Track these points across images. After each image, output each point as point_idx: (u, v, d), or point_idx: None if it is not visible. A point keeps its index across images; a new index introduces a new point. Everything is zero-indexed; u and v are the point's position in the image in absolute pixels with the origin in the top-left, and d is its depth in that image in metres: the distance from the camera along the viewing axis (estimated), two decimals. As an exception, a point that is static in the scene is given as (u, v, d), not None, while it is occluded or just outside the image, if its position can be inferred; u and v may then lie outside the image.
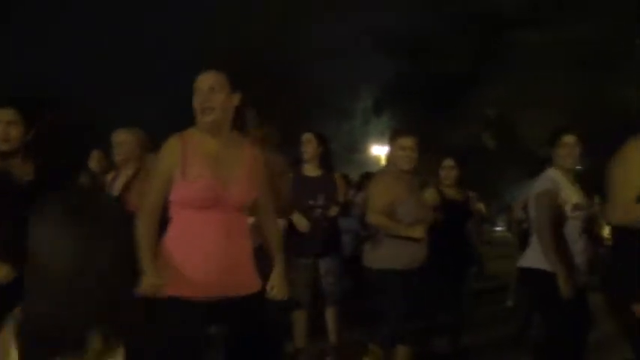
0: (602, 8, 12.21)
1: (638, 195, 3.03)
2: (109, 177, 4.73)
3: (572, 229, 4.04)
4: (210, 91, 2.84)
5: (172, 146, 2.86)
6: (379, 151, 22.41)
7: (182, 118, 3.21)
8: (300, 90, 23.99)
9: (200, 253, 2.76)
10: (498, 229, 23.12)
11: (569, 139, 4.17)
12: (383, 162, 6.52)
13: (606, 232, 17.11)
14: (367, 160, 24.36)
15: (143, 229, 2.78)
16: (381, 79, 22.31)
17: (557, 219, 4.00)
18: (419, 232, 4.40)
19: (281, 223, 4.64)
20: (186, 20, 26.87)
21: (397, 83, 19.81)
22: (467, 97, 15.53)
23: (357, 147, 26.77)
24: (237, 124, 3.02)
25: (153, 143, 4.30)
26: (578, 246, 4.05)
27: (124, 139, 4.54)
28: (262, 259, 3.05)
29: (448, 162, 5.61)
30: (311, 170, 5.46)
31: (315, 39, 22.75)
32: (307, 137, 5.49)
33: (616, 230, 3.21)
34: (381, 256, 4.45)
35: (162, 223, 2.86)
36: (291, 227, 5.14)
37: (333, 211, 5.33)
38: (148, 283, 2.70)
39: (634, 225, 3.09)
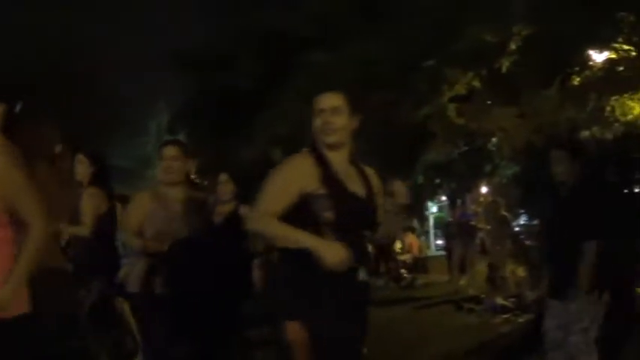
0: (393, 30, 12.79)
1: (279, 210, 3.17)
2: None
3: None
4: None
5: None
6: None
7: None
8: (96, 106, 23.36)
9: None
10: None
11: None
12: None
13: (398, 246, 17.86)
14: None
15: None
16: (177, 96, 22.14)
17: None
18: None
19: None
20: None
21: (191, 100, 19.66)
22: (259, 115, 15.67)
23: (152, 163, 26.50)
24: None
25: None
26: None
27: None
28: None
29: (222, 177, 5.74)
30: None
31: (112, 54, 22.22)
32: (79, 158, 5.40)
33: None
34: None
35: None
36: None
37: None
38: None
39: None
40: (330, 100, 3.32)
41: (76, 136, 6.49)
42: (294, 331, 3.11)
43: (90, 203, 5.58)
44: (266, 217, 3.20)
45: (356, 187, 3.35)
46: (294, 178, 3.24)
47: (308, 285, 3.11)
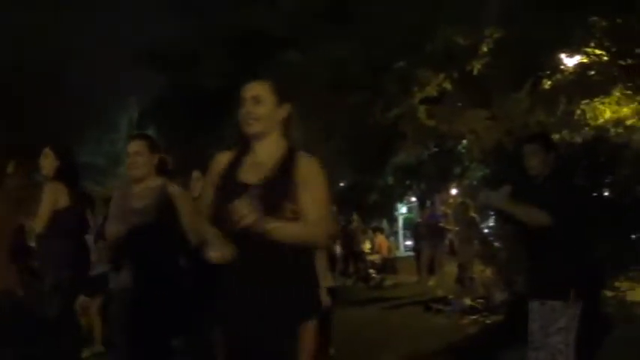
0: (364, 31, 12.78)
1: (208, 205, 3.22)
2: None
3: None
4: None
5: None
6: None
7: None
8: (67, 103, 23.20)
9: None
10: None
11: None
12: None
13: (367, 246, 17.87)
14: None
15: None
16: (148, 94, 21.98)
17: None
18: None
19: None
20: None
21: (163, 97, 19.51)
22: (229, 113, 15.60)
23: (123, 160, 26.25)
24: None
25: None
26: None
27: None
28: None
29: (195, 174, 5.80)
30: None
31: (85, 50, 22.06)
32: (45, 152, 5.35)
33: None
34: None
35: None
36: None
37: None
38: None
39: None
40: (252, 89, 3.23)
41: (29, 146, 6.41)
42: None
43: (47, 197, 5.48)
44: (200, 214, 3.26)
45: (253, 176, 3.14)
46: (210, 172, 3.30)
47: (219, 286, 3.10)
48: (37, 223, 5.49)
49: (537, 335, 4.63)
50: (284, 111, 3.27)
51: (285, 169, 3.16)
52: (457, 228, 13.85)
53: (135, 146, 4.68)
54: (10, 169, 5.41)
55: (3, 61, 21.42)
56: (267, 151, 3.24)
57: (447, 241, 15.29)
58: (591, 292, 4.77)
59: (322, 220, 3.14)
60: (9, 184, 5.48)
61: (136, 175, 4.65)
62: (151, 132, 21.10)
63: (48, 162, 5.55)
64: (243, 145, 3.27)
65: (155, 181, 4.64)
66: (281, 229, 2.98)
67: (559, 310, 4.48)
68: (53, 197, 5.50)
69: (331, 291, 4.37)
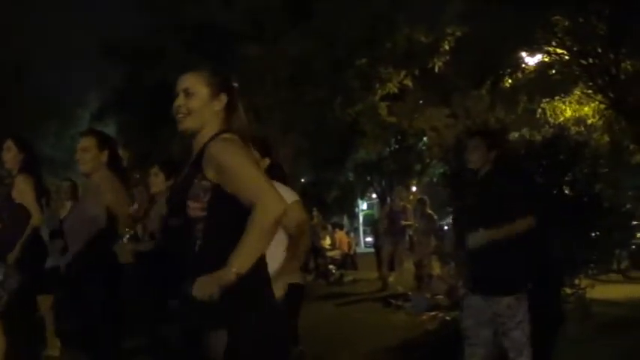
0: (325, 28, 12.77)
1: None
2: None
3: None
4: None
5: None
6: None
7: None
8: (27, 96, 22.95)
9: None
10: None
11: None
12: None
13: (327, 242, 17.88)
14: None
15: None
16: (109, 88, 21.64)
17: None
18: None
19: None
20: None
21: (121, 91, 19.26)
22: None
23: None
24: None
25: None
26: None
27: None
28: None
29: (154, 169, 5.78)
30: None
31: (45, 44, 21.77)
32: (7, 144, 5.30)
33: None
34: None
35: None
36: None
37: None
38: None
39: None
40: (182, 82, 3.05)
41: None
42: None
43: (29, 188, 5.44)
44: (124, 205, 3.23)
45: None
46: None
47: None
48: (35, 217, 5.46)
49: (474, 331, 4.67)
50: (220, 102, 3.04)
51: (197, 164, 2.93)
52: (416, 224, 13.92)
53: (82, 142, 4.71)
54: None
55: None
56: (199, 147, 3.01)
57: (407, 238, 15.33)
58: (546, 287, 4.82)
59: (260, 193, 2.78)
60: None
61: (83, 170, 4.69)
62: (110, 127, 20.84)
63: (11, 155, 5.50)
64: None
65: (101, 177, 4.62)
66: (242, 257, 2.71)
67: (514, 306, 4.51)
68: (32, 188, 5.47)
69: (295, 287, 4.27)
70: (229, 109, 3.05)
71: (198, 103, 2.99)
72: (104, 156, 4.66)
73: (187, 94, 3.00)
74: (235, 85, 3.13)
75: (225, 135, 2.96)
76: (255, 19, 14.52)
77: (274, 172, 4.18)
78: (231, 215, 2.83)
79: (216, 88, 3.03)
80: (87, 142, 4.67)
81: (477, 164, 4.79)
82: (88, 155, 4.62)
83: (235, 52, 14.26)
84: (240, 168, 2.83)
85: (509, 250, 4.53)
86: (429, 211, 13.41)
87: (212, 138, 2.94)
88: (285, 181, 4.31)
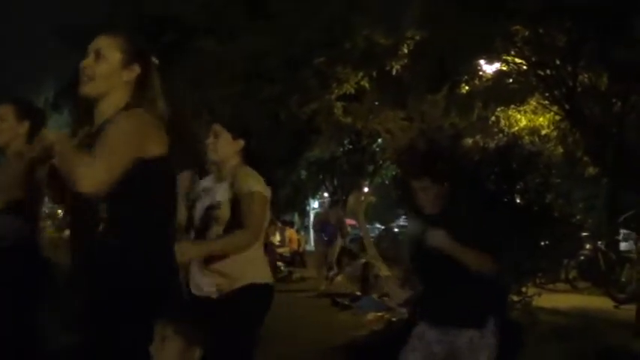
0: (282, 25, 12.71)
1: None
2: None
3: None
4: None
5: None
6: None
7: None
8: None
9: None
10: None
11: None
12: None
13: (277, 239, 17.80)
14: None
15: None
16: (66, 74, 21.26)
17: None
18: None
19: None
20: None
21: (76, 78, 18.92)
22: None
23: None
24: None
25: None
26: None
27: None
28: None
29: None
30: None
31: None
32: None
33: None
34: None
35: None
36: None
37: None
38: None
39: None
40: (95, 42, 2.82)
41: None
42: None
43: None
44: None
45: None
46: None
47: None
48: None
49: None
50: (131, 73, 2.78)
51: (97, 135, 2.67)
52: (367, 225, 13.96)
53: None
54: None
55: None
56: (102, 117, 2.75)
57: (338, 242, 15.43)
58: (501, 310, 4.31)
59: (94, 160, 2.52)
60: None
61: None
62: (66, 113, 20.40)
63: None
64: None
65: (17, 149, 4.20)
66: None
67: (476, 341, 3.83)
68: None
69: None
70: (141, 84, 2.81)
71: (106, 68, 2.75)
72: (24, 128, 4.20)
73: (98, 55, 2.77)
74: (154, 60, 2.90)
75: (138, 110, 2.73)
76: (212, 13, 14.40)
77: (246, 156, 4.04)
78: (135, 194, 2.64)
79: (129, 57, 2.79)
80: (2, 110, 4.16)
81: (434, 208, 3.97)
82: (5, 124, 4.13)
83: (191, 45, 14.13)
84: (112, 138, 2.59)
85: (471, 281, 3.82)
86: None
87: (119, 112, 2.71)
88: (258, 167, 4.04)
